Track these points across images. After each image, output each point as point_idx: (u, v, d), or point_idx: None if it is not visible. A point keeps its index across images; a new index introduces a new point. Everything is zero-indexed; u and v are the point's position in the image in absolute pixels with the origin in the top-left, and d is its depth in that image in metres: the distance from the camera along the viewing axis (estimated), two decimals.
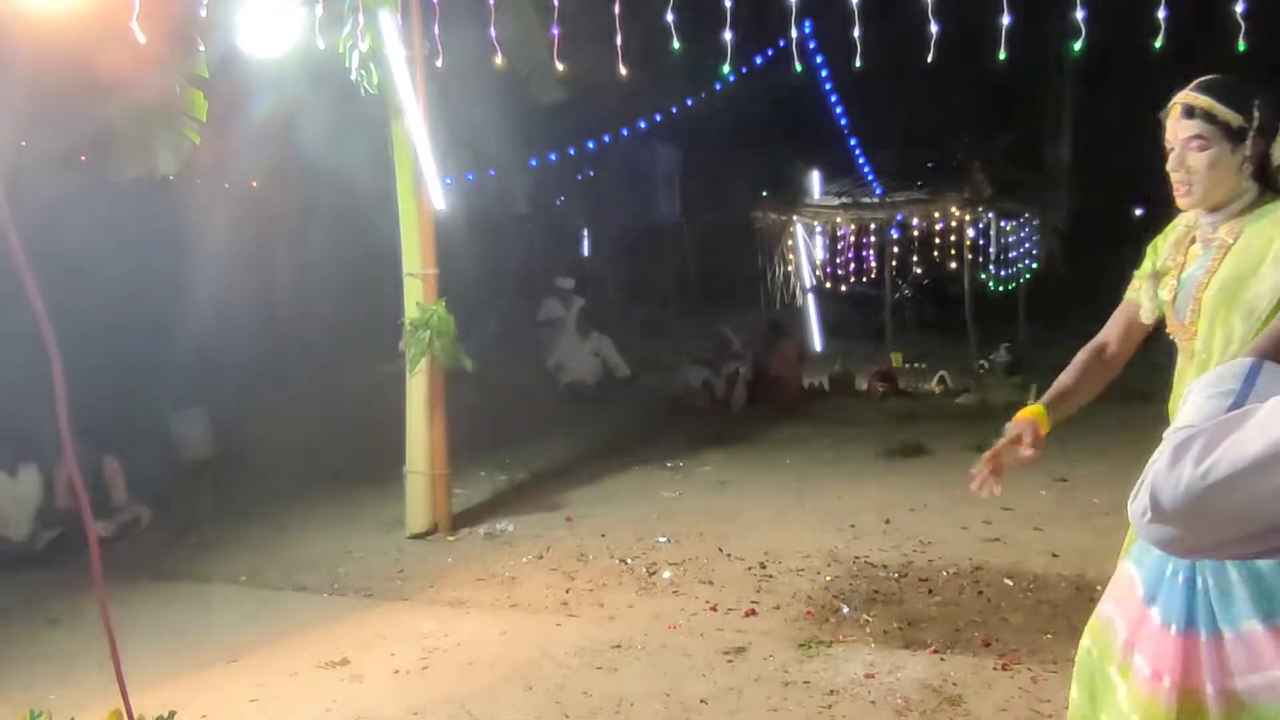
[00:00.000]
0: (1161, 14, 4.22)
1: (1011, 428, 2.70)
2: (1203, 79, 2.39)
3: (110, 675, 3.10)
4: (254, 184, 12.36)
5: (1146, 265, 2.61)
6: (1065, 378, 2.74)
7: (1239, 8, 4.14)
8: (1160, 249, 2.61)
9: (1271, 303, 2.30)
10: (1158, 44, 4.34)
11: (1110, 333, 2.73)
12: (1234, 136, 2.34)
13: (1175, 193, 2.45)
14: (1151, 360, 2.95)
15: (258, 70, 6.11)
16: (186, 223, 11.15)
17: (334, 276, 13.45)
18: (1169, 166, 2.43)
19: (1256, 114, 2.32)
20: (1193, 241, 2.51)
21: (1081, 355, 2.75)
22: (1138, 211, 26.03)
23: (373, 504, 7.25)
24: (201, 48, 5.28)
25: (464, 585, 5.51)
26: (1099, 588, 5.07)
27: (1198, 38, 6.21)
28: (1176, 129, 2.40)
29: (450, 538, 6.41)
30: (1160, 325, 2.58)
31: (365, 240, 11.29)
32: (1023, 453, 2.70)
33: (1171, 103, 2.41)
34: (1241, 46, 4.14)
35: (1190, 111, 2.36)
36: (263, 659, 4.58)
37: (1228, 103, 2.34)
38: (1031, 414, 2.71)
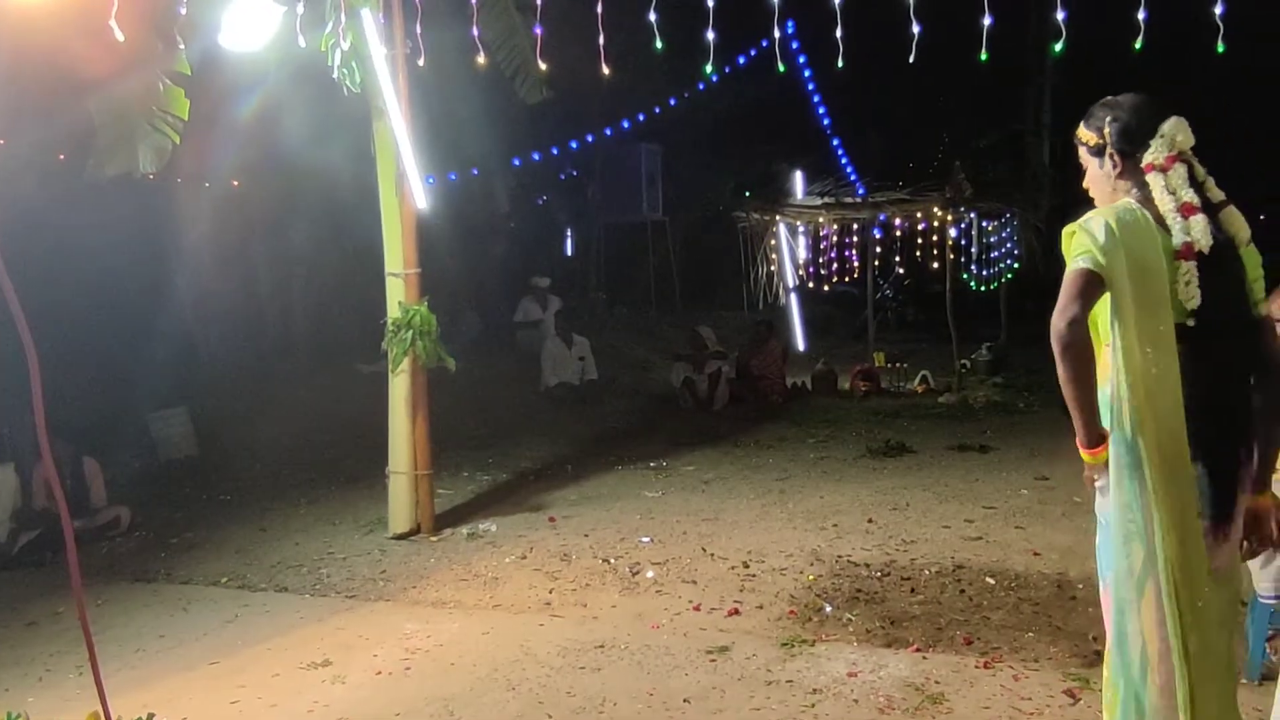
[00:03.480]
0: (1141, 15, 4.24)
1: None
2: (1094, 106, 2.84)
3: (89, 678, 3.07)
4: (235, 183, 12.30)
5: None
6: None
7: (1218, 9, 4.16)
8: None
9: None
10: (1138, 44, 4.37)
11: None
12: (1097, 152, 2.77)
13: None
14: None
15: (239, 69, 6.07)
16: (167, 222, 11.07)
17: (316, 276, 13.40)
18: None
19: (1108, 131, 2.73)
20: None
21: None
22: None
23: (355, 505, 7.23)
24: (182, 45, 5.24)
25: (447, 586, 5.49)
26: (1080, 586, 5.12)
27: (1178, 38, 6.24)
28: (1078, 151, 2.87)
29: (433, 538, 6.40)
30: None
31: (347, 240, 11.27)
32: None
33: None
34: (1220, 48, 4.16)
35: (1075, 139, 2.87)
36: (244, 661, 4.55)
37: (1087, 126, 2.81)
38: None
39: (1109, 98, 2.82)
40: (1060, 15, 4.63)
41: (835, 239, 14.62)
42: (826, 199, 12.74)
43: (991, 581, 5.24)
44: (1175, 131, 2.68)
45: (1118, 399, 2.56)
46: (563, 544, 6.15)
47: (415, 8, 5.78)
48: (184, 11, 5.13)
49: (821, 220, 13.28)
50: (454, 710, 3.95)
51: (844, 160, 15.38)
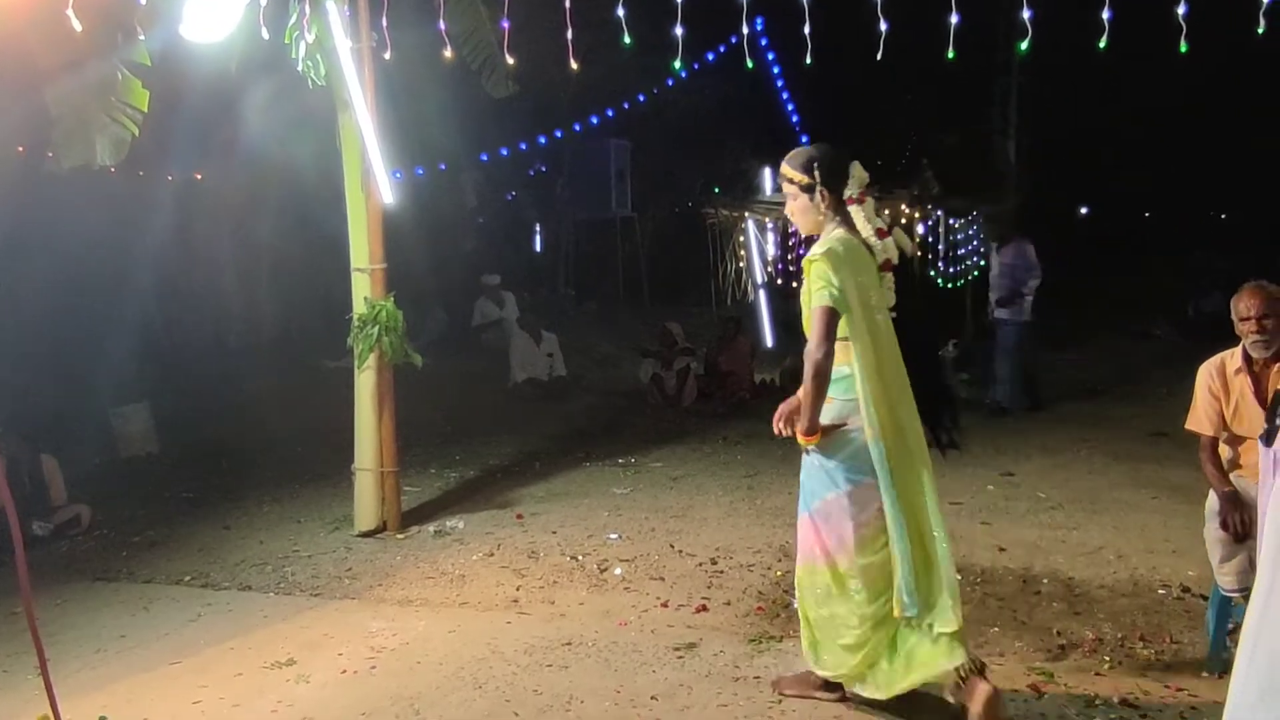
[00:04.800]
0: (1106, 14, 4.27)
1: None
2: (792, 153, 3.68)
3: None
4: (199, 176, 12.16)
5: None
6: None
7: (1180, 9, 4.20)
8: None
9: (806, 304, 3.58)
10: (1102, 44, 4.40)
11: None
12: (808, 190, 3.62)
13: None
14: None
15: (202, 60, 5.99)
16: (129, 215, 10.91)
17: (281, 270, 13.27)
18: (785, 210, 3.79)
19: (817, 173, 3.59)
20: None
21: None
22: (1083, 210, 26.55)
23: (320, 502, 7.17)
24: (142, 36, 5.16)
25: (413, 584, 5.45)
26: (1045, 581, 5.16)
27: (1141, 38, 6.30)
28: (784, 187, 3.72)
29: (399, 536, 6.35)
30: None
31: (313, 234, 11.16)
32: None
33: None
34: (1184, 47, 4.20)
35: (782, 177, 3.71)
36: (207, 660, 4.49)
37: (796, 168, 3.64)
38: None
39: (806, 147, 3.70)
40: (1026, 14, 4.66)
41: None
42: None
43: (957, 577, 5.26)
44: (859, 172, 3.69)
45: (861, 381, 3.50)
46: (530, 541, 6.12)
47: (381, 0, 5.72)
48: (143, 1, 5.05)
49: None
50: (420, 709, 3.92)
51: None
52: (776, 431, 3.75)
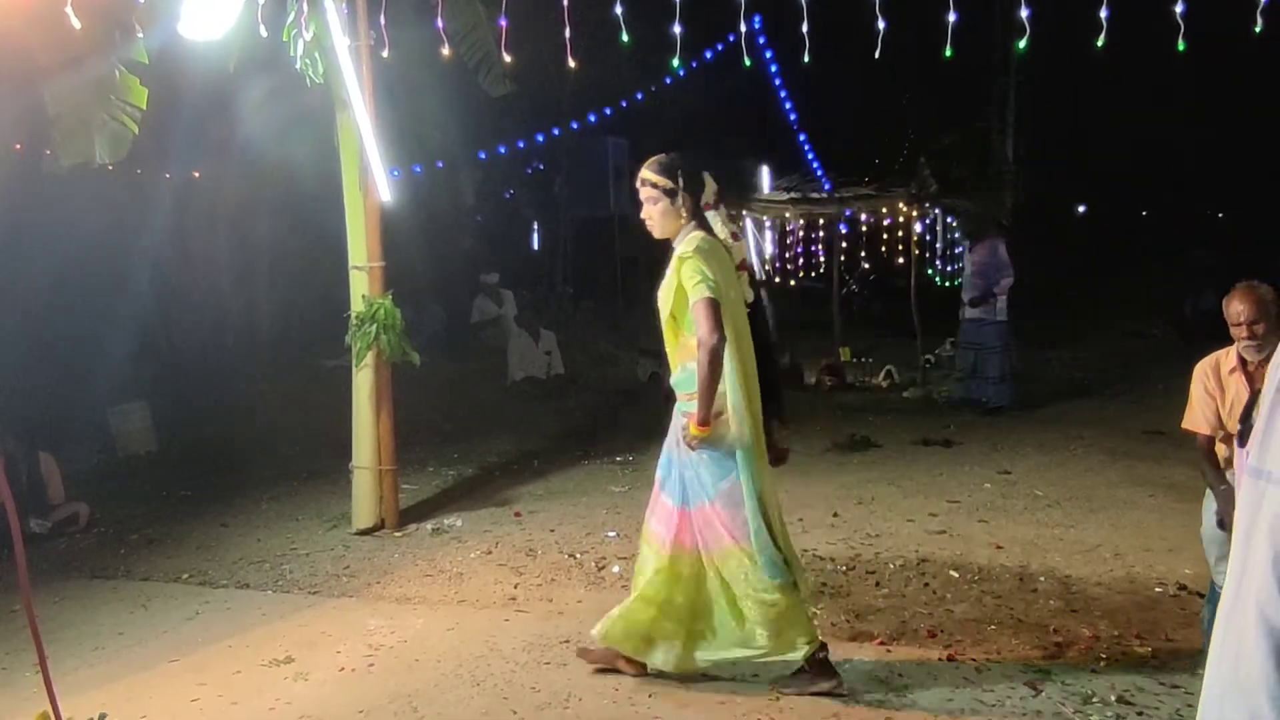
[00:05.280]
0: (1104, 13, 4.27)
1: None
2: (651, 159, 3.93)
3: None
4: (196, 174, 12.14)
5: None
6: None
7: (1178, 8, 4.21)
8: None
9: (667, 300, 3.80)
10: (1100, 43, 4.41)
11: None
12: (670, 194, 3.85)
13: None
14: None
15: (200, 57, 5.99)
16: (127, 214, 10.90)
17: (280, 269, 13.26)
18: (642, 214, 3.94)
19: (680, 178, 3.84)
20: None
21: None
22: (1080, 209, 26.56)
23: (318, 500, 7.17)
24: (140, 34, 5.15)
25: (411, 581, 5.46)
26: (1042, 579, 5.17)
27: (1140, 37, 6.31)
28: (642, 191, 3.91)
29: (397, 534, 6.35)
30: None
31: (311, 232, 11.15)
32: None
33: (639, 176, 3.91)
34: (1181, 46, 4.21)
35: (644, 182, 3.90)
36: (205, 658, 4.50)
37: (659, 173, 3.86)
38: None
39: (666, 154, 3.93)
40: (1024, 13, 4.66)
41: (802, 234, 14.66)
42: (793, 194, 12.76)
43: (955, 575, 5.28)
44: (712, 180, 3.92)
45: (730, 372, 3.70)
46: (528, 539, 6.13)
47: None
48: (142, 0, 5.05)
49: (788, 215, 13.31)
50: (418, 707, 3.92)
51: (810, 155, 15.40)
52: (691, 447, 3.79)
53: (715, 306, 3.63)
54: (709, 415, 3.69)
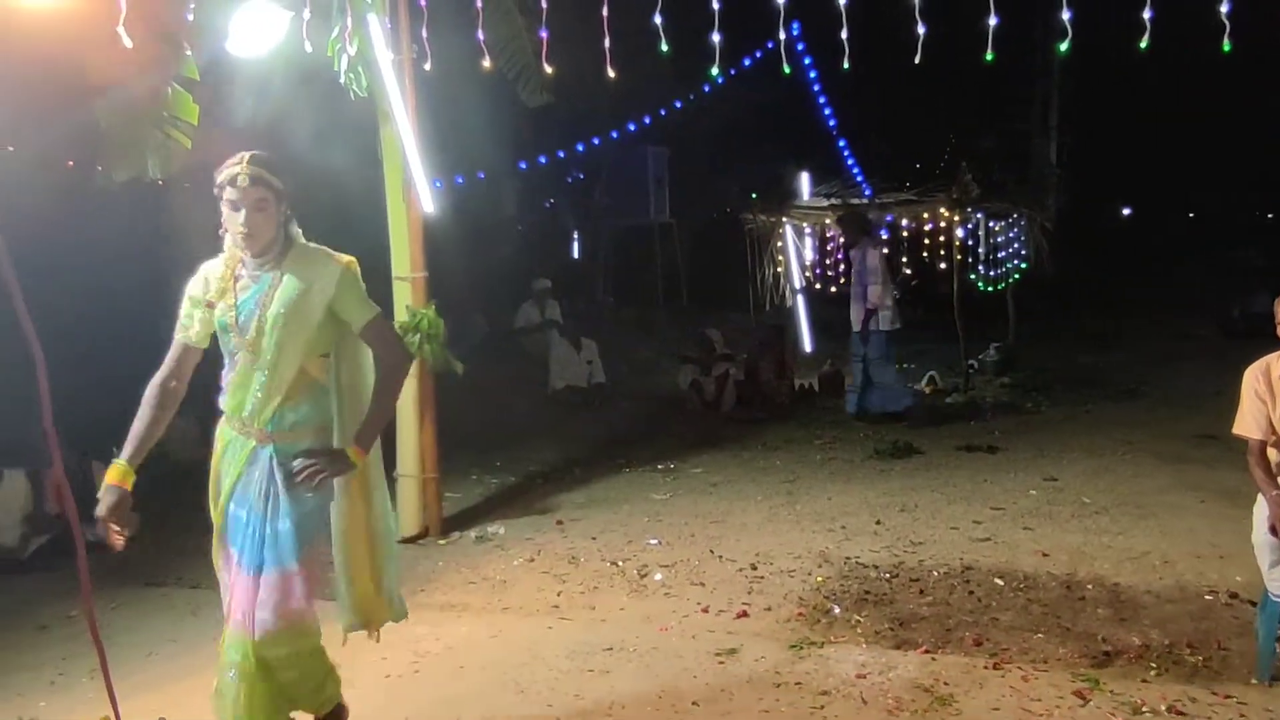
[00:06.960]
0: (1147, 14, 4.23)
1: (104, 503, 3.49)
2: (255, 155, 3.27)
3: (101, 682, 3.09)
4: None
5: (197, 299, 3.45)
6: (140, 425, 3.54)
7: (1224, 8, 4.15)
8: (211, 284, 3.41)
9: (321, 313, 3.32)
10: (1143, 44, 4.36)
11: (170, 368, 3.57)
12: (281, 198, 3.26)
13: (238, 242, 3.30)
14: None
15: (247, 73, 6.09)
16: (175, 226, 11.08)
17: None
18: (239, 222, 3.23)
19: (288, 182, 3.26)
20: (239, 278, 3.36)
21: (150, 394, 3.55)
22: (1125, 211, 26.21)
23: None
24: (189, 51, 5.26)
25: (455, 589, 5.50)
26: (1090, 586, 5.10)
27: (1183, 38, 6.23)
28: (246, 193, 3.21)
29: (441, 541, 6.40)
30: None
31: (355, 243, 11.24)
32: (113, 541, 3.48)
33: (238, 171, 3.21)
34: (1227, 46, 4.15)
35: (255, 181, 3.20)
36: None
37: (277, 173, 3.25)
38: (117, 476, 3.49)
39: (265, 153, 3.31)
40: (1066, 15, 4.63)
41: (842, 240, 14.56)
42: (833, 200, 12.70)
43: (1000, 582, 5.23)
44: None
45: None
46: (571, 547, 6.15)
47: (421, 11, 5.80)
48: (191, 17, 5.15)
49: (828, 222, 13.25)
50: (462, 714, 3.96)
51: (850, 162, 15.33)
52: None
53: (388, 322, 3.51)
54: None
